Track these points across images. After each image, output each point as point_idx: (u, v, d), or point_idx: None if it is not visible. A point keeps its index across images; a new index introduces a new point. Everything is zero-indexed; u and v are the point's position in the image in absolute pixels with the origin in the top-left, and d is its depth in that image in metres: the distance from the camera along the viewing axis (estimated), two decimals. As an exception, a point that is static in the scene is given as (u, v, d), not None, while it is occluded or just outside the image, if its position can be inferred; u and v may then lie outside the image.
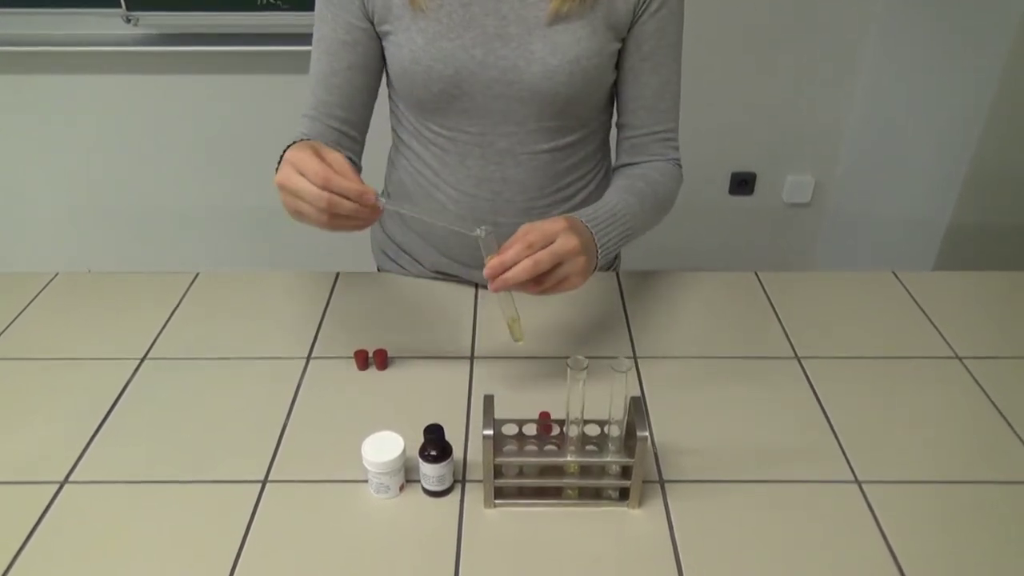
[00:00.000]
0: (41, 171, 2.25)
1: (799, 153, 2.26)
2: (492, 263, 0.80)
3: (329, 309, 1.09)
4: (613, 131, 1.08)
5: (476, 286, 1.13)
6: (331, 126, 1.01)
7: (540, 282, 0.81)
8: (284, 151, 0.82)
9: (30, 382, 0.95)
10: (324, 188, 0.74)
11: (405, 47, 0.94)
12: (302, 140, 0.85)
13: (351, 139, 1.04)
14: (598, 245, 0.88)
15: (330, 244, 2.33)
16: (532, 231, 0.81)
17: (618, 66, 1.00)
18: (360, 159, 1.07)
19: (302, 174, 0.75)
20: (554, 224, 0.82)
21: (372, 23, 0.97)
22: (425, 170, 1.05)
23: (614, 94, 1.04)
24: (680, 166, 1.07)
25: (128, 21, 1.94)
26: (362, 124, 1.05)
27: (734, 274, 1.16)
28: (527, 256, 0.79)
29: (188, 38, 2.00)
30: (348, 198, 0.75)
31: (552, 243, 0.80)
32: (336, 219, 0.76)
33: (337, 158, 0.77)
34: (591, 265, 0.85)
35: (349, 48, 0.97)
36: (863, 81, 2.12)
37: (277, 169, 0.80)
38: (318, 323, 1.06)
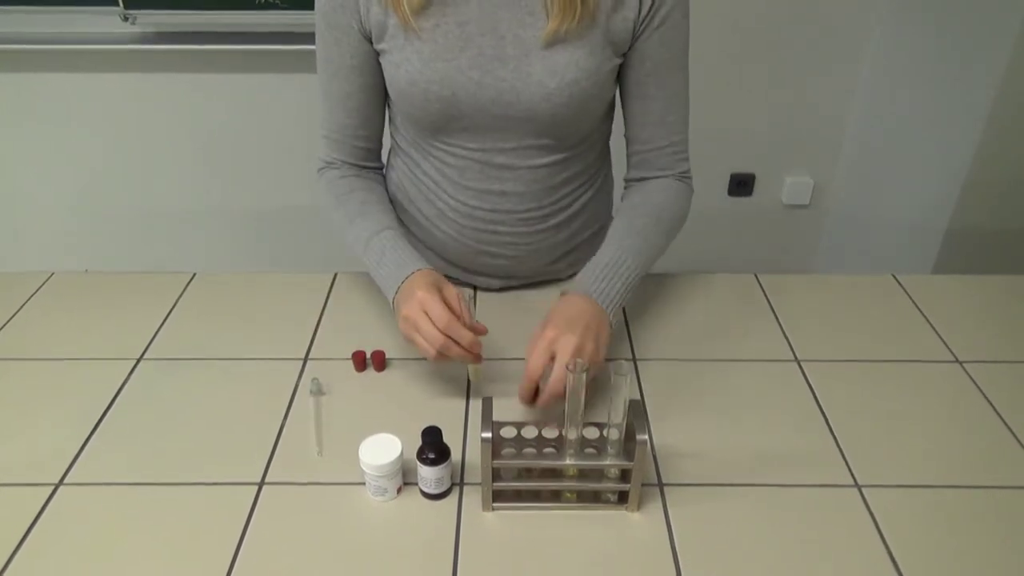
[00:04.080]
0: (36, 170, 2.24)
1: (798, 154, 2.26)
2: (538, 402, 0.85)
3: (327, 310, 1.08)
4: (614, 135, 1.08)
5: (474, 289, 1.12)
6: (356, 146, 1.04)
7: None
8: (404, 279, 0.90)
9: (26, 382, 0.95)
10: (443, 332, 0.84)
11: (401, 67, 0.93)
12: (422, 271, 0.90)
13: (373, 153, 1.07)
14: (608, 310, 0.90)
15: (328, 245, 2.33)
16: (534, 367, 0.83)
17: (622, 81, 0.99)
18: (382, 166, 1.10)
19: (426, 313, 0.84)
20: (564, 348, 0.83)
21: (371, 42, 0.96)
22: (424, 178, 1.04)
23: (614, 105, 1.03)
24: (690, 178, 1.05)
25: (125, 19, 1.93)
26: (380, 135, 1.07)
27: (734, 276, 1.16)
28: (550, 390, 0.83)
29: (185, 36, 1.99)
30: (460, 344, 0.85)
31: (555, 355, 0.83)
32: (443, 357, 0.85)
33: (452, 296, 0.87)
34: (602, 336, 0.87)
35: (357, 72, 0.97)
36: (863, 83, 2.12)
37: (397, 291, 0.90)
38: (315, 324, 1.05)
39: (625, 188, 1.07)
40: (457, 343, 0.84)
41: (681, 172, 1.04)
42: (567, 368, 0.71)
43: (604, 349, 0.87)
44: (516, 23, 0.91)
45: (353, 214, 0.99)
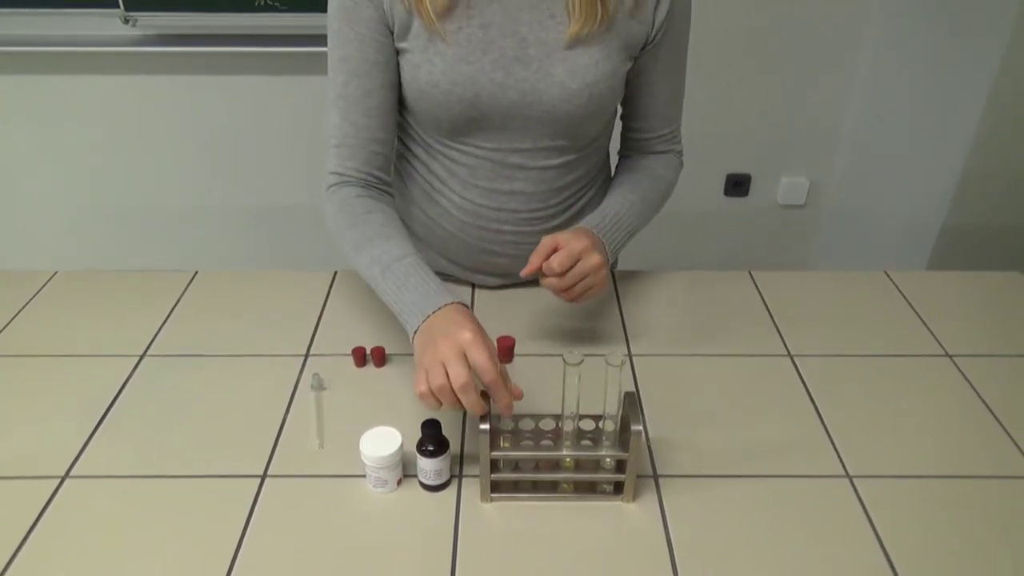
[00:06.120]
0: (38, 171, 2.25)
1: (794, 154, 2.27)
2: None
3: (327, 307, 1.10)
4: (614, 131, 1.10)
5: (473, 287, 1.14)
6: (373, 151, 0.98)
7: (570, 293, 0.93)
8: (437, 309, 0.82)
9: (31, 378, 0.96)
10: (491, 384, 0.75)
11: (423, 68, 0.93)
12: (458, 305, 0.83)
13: (388, 163, 1.01)
14: (608, 251, 0.96)
15: (328, 245, 2.34)
16: (558, 254, 0.90)
17: (631, 79, 1.01)
18: (391, 185, 1.04)
19: (467, 357, 0.75)
20: (578, 242, 0.91)
21: (392, 38, 0.95)
22: (431, 177, 1.05)
23: (620, 104, 1.06)
24: (681, 154, 1.11)
25: (126, 22, 1.95)
26: (393, 144, 1.02)
27: (728, 273, 1.17)
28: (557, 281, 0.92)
29: (186, 39, 2.01)
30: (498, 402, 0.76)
31: (577, 262, 0.91)
32: (455, 406, 0.76)
33: (493, 348, 0.77)
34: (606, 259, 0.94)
35: (381, 67, 0.94)
36: (858, 83, 2.14)
37: (426, 318, 0.82)
38: (316, 321, 1.07)
39: (620, 159, 1.13)
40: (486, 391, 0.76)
41: (676, 151, 1.11)
42: (562, 359, 0.72)
43: (607, 270, 0.94)
44: (537, 25, 0.92)
45: (373, 235, 0.92)
